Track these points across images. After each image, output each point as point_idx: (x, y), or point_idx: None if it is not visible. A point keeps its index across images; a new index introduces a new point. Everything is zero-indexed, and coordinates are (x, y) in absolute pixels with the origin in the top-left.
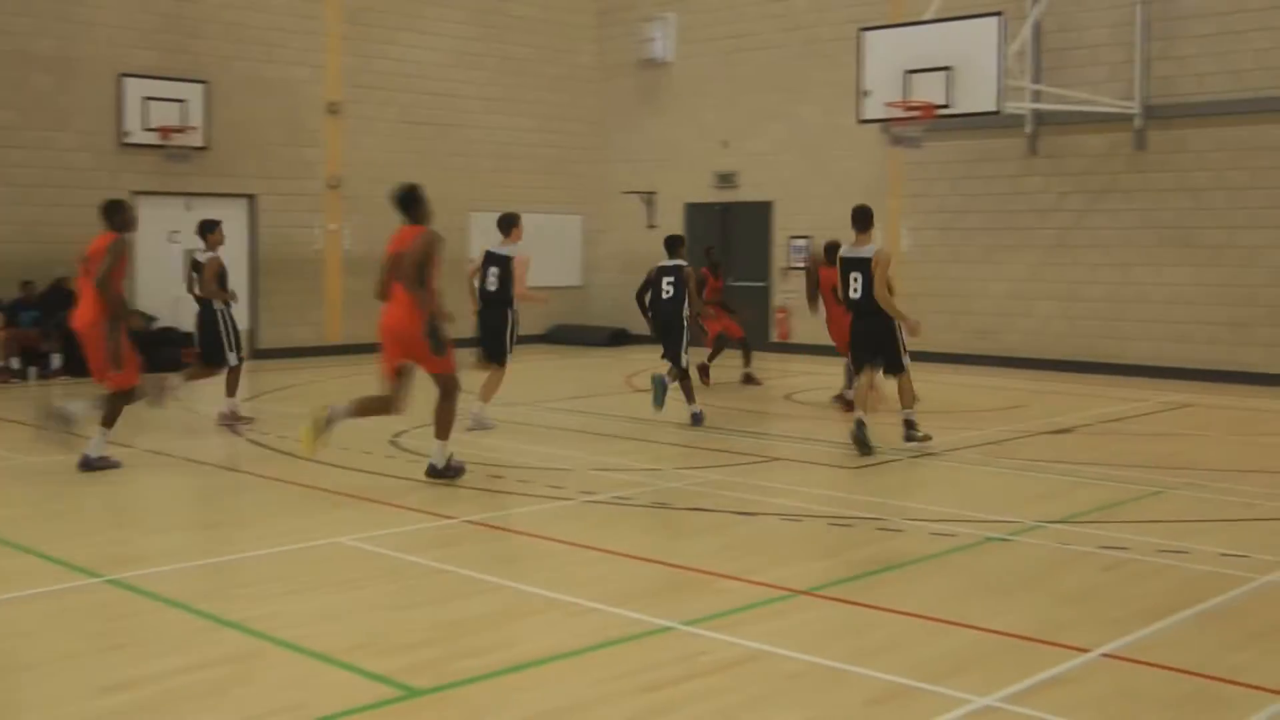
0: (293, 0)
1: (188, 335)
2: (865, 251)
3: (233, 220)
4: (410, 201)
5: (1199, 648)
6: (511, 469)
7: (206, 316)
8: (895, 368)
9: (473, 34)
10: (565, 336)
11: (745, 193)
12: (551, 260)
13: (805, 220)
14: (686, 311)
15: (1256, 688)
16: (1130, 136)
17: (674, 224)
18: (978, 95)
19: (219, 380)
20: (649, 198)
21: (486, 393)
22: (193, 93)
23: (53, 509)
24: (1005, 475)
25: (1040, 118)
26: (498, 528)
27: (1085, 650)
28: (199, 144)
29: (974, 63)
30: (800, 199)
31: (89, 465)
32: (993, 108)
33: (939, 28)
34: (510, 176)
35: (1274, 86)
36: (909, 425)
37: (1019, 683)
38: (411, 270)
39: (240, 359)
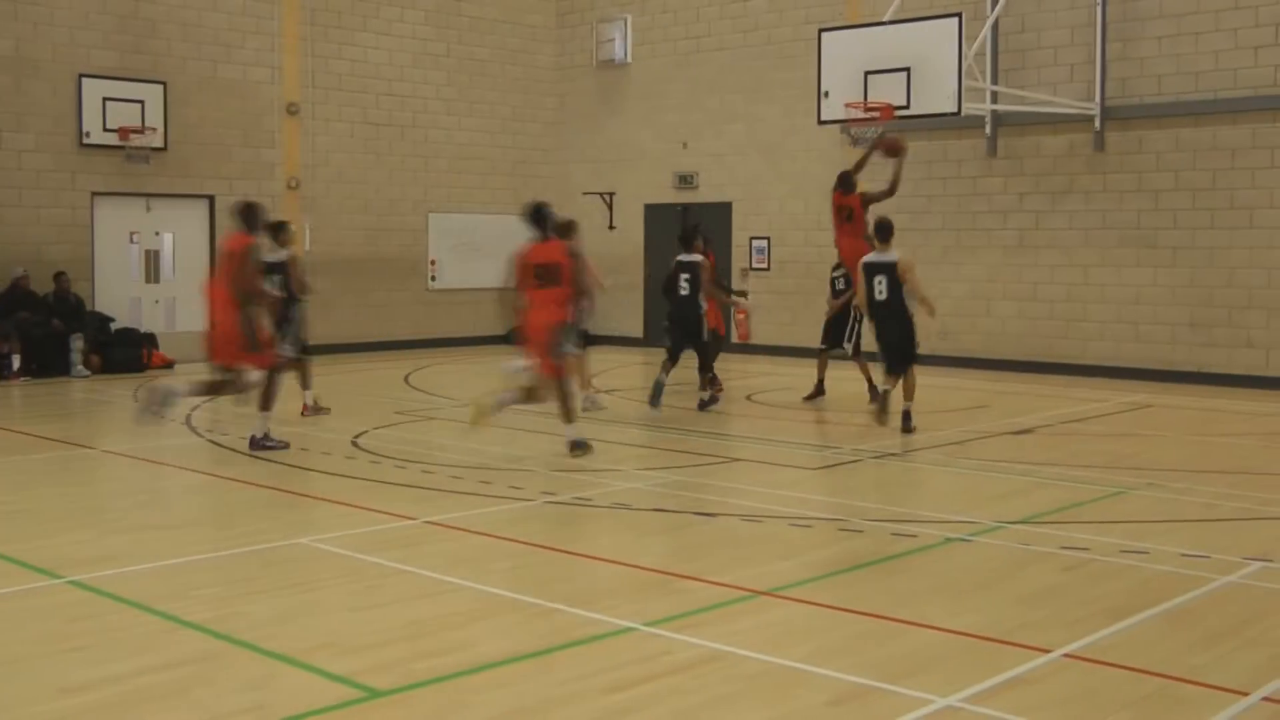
0: (249, 1)
1: (148, 336)
2: (889, 257)
3: (191, 222)
4: (542, 218)
5: (1160, 648)
6: (472, 470)
7: (292, 312)
8: (909, 361)
9: (431, 35)
10: None
11: (705, 193)
12: None
13: (764, 221)
14: (704, 307)
15: (1217, 688)
16: (1089, 137)
17: (634, 225)
18: (937, 96)
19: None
20: (609, 199)
21: (584, 382)
22: (151, 93)
23: (12, 509)
24: (966, 476)
25: (1000, 118)
26: (458, 528)
27: (1046, 650)
28: (158, 145)
29: (933, 63)
30: (759, 199)
31: (256, 445)
32: (952, 109)
33: (898, 28)
34: (469, 178)
35: (1232, 88)
36: (906, 417)
37: (980, 683)
38: (573, 277)
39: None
